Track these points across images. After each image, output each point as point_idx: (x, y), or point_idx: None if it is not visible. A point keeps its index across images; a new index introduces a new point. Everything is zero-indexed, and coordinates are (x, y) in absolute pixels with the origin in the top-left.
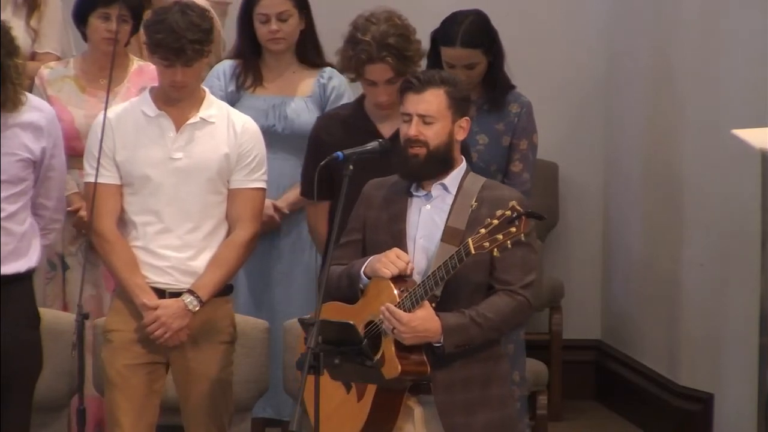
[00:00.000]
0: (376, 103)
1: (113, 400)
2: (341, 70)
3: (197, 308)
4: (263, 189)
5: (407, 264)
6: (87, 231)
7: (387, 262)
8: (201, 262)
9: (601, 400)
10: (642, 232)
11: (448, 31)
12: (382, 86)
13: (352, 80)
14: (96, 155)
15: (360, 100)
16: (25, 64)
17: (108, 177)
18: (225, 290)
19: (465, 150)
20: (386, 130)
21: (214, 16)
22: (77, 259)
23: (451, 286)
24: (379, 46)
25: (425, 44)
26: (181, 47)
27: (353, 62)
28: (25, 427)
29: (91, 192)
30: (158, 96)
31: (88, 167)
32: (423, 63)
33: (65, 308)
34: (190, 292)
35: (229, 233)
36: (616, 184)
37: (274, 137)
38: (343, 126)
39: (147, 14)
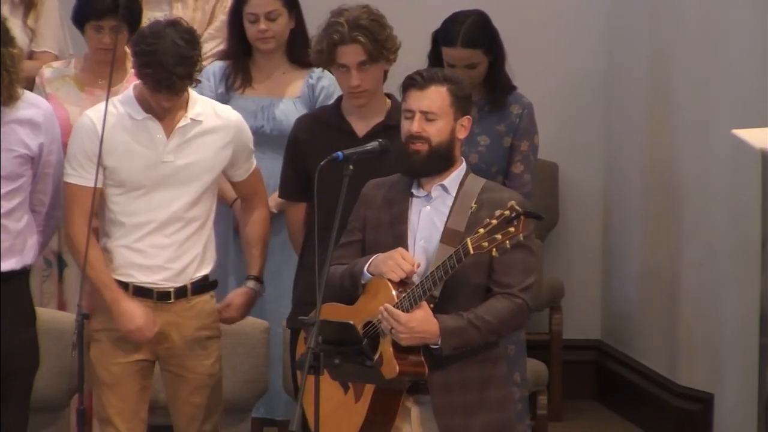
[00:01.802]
0: (350, 87)
1: (105, 399)
2: (315, 62)
3: (263, 290)
4: (258, 166)
5: (413, 265)
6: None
7: (394, 265)
8: (187, 259)
9: (601, 400)
10: (642, 232)
11: (448, 31)
12: (355, 70)
13: (325, 67)
14: (78, 157)
15: (338, 101)
16: (21, 55)
17: (87, 179)
18: (209, 286)
19: None
20: (360, 127)
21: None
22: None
23: (449, 288)
24: (351, 27)
25: (426, 44)
26: (170, 84)
27: (325, 44)
28: (24, 425)
29: (70, 193)
30: (143, 98)
31: (68, 167)
32: (413, 62)
33: (62, 306)
34: (253, 278)
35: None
36: (616, 183)
37: (262, 138)
38: (318, 125)
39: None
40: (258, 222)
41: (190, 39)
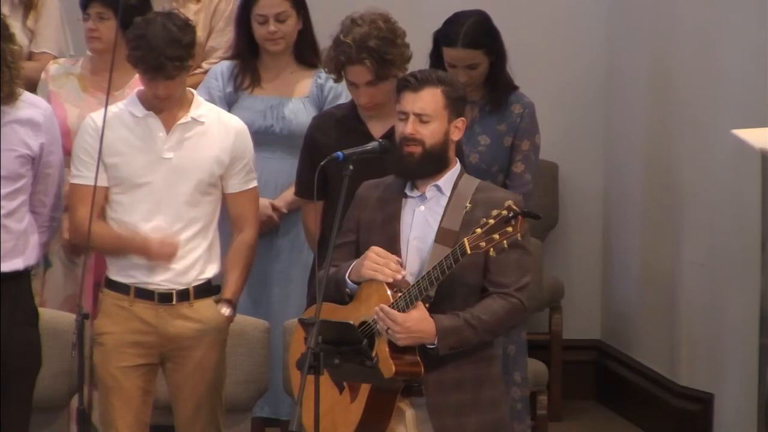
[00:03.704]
0: (358, 104)
1: (108, 402)
2: (327, 71)
3: (233, 315)
4: (257, 186)
5: (387, 258)
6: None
7: (370, 265)
8: (189, 261)
9: (601, 400)
10: (642, 232)
11: (449, 32)
12: (363, 88)
13: (336, 81)
14: (82, 157)
15: (354, 101)
16: (21, 53)
17: (93, 179)
18: (212, 290)
19: (458, 153)
20: (377, 130)
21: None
22: (59, 257)
23: (445, 288)
24: (358, 48)
25: (427, 45)
26: (160, 65)
27: (334, 63)
28: (25, 425)
29: (77, 193)
30: (145, 98)
31: (74, 169)
32: (413, 62)
33: (41, 305)
34: (225, 301)
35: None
36: (616, 184)
37: (271, 137)
38: (336, 126)
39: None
40: (239, 247)
41: (183, 26)
